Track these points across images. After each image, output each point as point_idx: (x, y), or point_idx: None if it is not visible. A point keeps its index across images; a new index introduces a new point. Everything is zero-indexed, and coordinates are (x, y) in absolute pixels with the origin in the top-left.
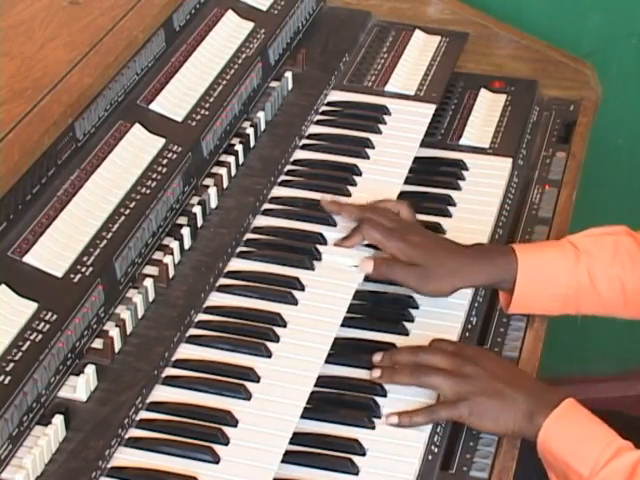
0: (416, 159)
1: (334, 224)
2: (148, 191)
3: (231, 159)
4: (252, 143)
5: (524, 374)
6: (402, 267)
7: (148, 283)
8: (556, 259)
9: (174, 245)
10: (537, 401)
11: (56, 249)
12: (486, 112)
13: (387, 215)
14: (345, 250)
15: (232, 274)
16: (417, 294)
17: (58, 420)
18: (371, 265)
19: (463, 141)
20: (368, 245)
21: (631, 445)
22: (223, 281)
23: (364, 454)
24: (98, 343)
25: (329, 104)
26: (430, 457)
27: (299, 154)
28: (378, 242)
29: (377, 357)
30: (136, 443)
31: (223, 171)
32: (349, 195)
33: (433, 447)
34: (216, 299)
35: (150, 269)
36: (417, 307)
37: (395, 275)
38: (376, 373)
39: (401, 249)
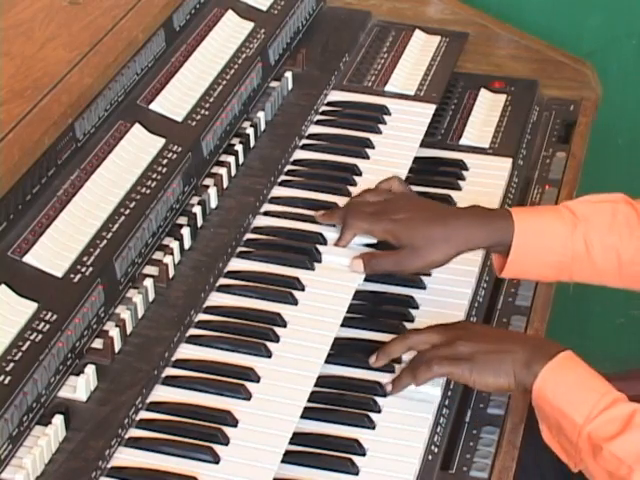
0: (416, 159)
1: (334, 224)
2: (148, 191)
3: (231, 159)
4: (252, 143)
5: (520, 332)
6: (388, 257)
7: (148, 283)
8: (553, 225)
9: (174, 245)
10: (536, 350)
11: (56, 249)
12: (486, 112)
13: (372, 197)
14: (344, 250)
15: (232, 274)
16: (416, 271)
17: (58, 420)
18: (360, 264)
19: (463, 141)
20: (371, 245)
21: (625, 397)
22: (223, 281)
23: (364, 454)
24: (98, 343)
25: (329, 104)
26: (430, 457)
27: (299, 154)
28: (367, 231)
29: (372, 359)
30: (136, 443)
31: (223, 171)
32: (349, 195)
33: (433, 447)
34: (216, 299)
35: (150, 269)
36: (417, 307)
37: (386, 266)
38: (388, 388)
39: (388, 230)
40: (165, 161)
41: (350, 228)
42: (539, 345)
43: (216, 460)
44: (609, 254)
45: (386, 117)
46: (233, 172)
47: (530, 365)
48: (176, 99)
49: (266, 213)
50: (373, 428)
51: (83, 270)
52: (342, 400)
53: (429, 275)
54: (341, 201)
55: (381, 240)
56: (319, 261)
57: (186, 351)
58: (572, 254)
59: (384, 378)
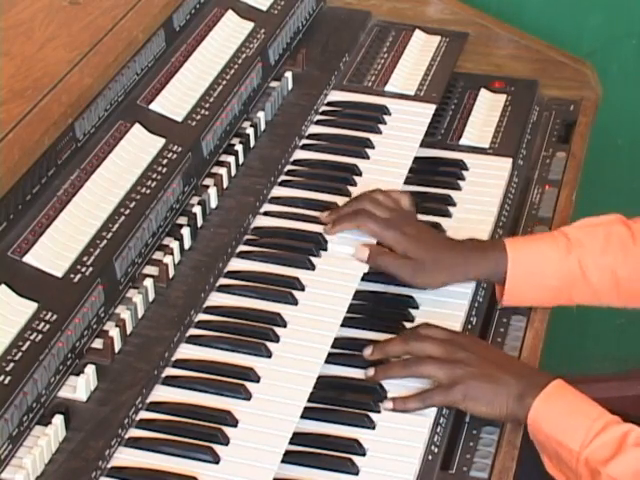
0: (416, 159)
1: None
2: (148, 191)
3: (231, 159)
4: (252, 143)
5: (514, 358)
6: (396, 259)
7: (148, 283)
8: (547, 250)
9: (174, 245)
10: (527, 382)
11: (56, 249)
12: (486, 112)
13: (385, 204)
14: (347, 240)
15: (232, 274)
16: (409, 286)
17: (58, 420)
18: (366, 253)
19: (463, 141)
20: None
21: (619, 419)
22: (223, 281)
23: (364, 454)
24: (98, 343)
25: (329, 104)
26: (430, 457)
27: (299, 154)
28: (374, 232)
29: (368, 351)
30: (136, 443)
31: (223, 171)
32: (349, 195)
33: (433, 447)
34: (216, 299)
35: (150, 269)
36: (417, 307)
37: (388, 267)
38: (370, 372)
39: (397, 240)
40: (165, 161)
41: (359, 223)
42: (530, 376)
43: (216, 460)
44: (605, 275)
45: (386, 117)
46: (233, 172)
47: (522, 398)
48: (176, 99)
49: (266, 213)
50: (373, 428)
51: (83, 270)
52: (342, 400)
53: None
54: (341, 201)
55: (385, 245)
56: (325, 249)
57: (186, 351)
58: (568, 277)
59: (371, 370)
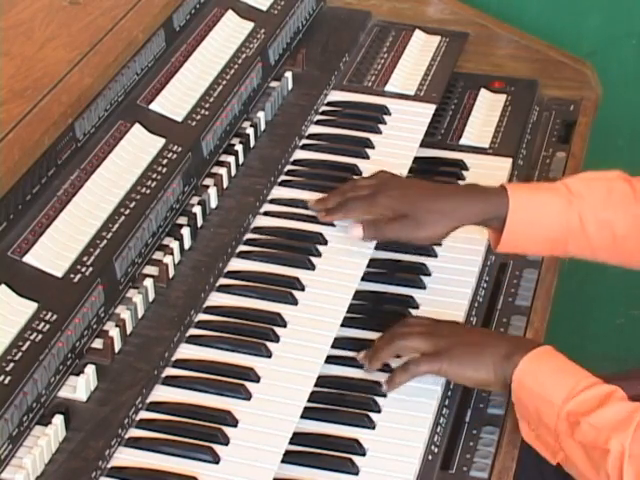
0: (416, 159)
1: (334, 224)
2: (148, 191)
3: (231, 159)
4: (252, 143)
5: (502, 332)
6: (390, 223)
7: (148, 283)
8: (548, 201)
9: (174, 245)
10: (515, 344)
11: (56, 249)
12: (486, 112)
13: (366, 182)
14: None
15: (232, 274)
16: (414, 243)
17: (58, 420)
18: (360, 229)
19: (463, 141)
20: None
21: (602, 381)
22: (223, 281)
23: (364, 454)
24: (98, 343)
25: (329, 104)
26: (430, 457)
27: (299, 154)
28: (363, 211)
29: (366, 366)
30: (136, 443)
31: (223, 171)
32: None
33: (433, 447)
34: (216, 299)
35: (150, 269)
36: (417, 307)
37: (386, 232)
38: (385, 388)
39: (387, 206)
40: (165, 161)
41: (346, 210)
42: (519, 340)
43: (216, 460)
44: (603, 229)
45: (386, 117)
46: (233, 172)
47: (510, 357)
48: (176, 99)
49: (266, 213)
50: (373, 428)
51: (83, 270)
52: (342, 400)
53: (429, 275)
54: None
55: (383, 215)
56: (325, 243)
57: (186, 351)
58: (566, 229)
59: (384, 378)
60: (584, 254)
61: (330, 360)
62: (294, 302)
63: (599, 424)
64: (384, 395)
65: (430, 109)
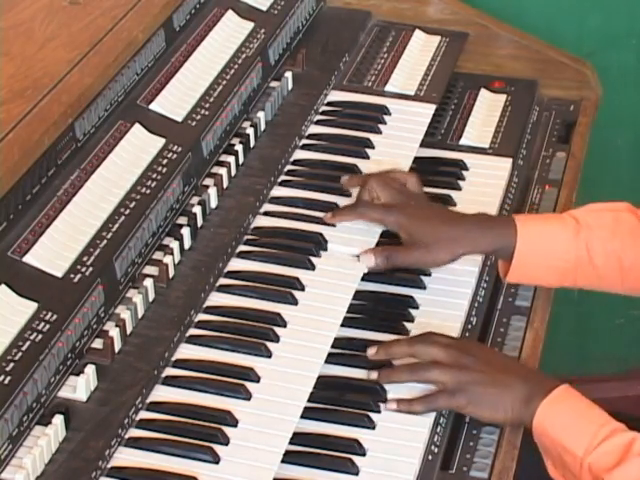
0: (416, 159)
1: (334, 224)
2: (148, 191)
3: (231, 159)
4: (252, 143)
5: (519, 363)
6: (401, 252)
7: (148, 283)
8: (556, 231)
9: (174, 245)
10: (534, 386)
11: (56, 249)
12: (486, 112)
13: (389, 188)
14: (349, 240)
15: (232, 274)
16: (421, 268)
17: (58, 420)
18: (372, 258)
19: (463, 141)
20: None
21: (625, 427)
22: (223, 281)
23: (364, 454)
24: (98, 343)
25: (329, 104)
26: (430, 457)
27: (299, 154)
28: (375, 220)
29: (372, 350)
30: (136, 443)
31: (223, 171)
32: (349, 195)
33: (433, 447)
34: (216, 299)
35: (150, 269)
36: (417, 307)
37: (396, 261)
38: (373, 374)
39: (402, 225)
40: (165, 161)
41: (358, 214)
42: (537, 380)
43: (216, 460)
44: (611, 260)
45: (386, 117)
46: (233, 172)
47: (529, 401)
48: (176, 99)
49: (266, 213)
50: (373, 428)
51: (83, 270)
52: (342, 400)
53: (429, 275)
54: (341, 201)
55: (391, 230)
56: (325, 249)
57: (186, 351)
58: (574, 260)
59: (374, 372)
60: (592, 285)
61: (330, 360)
62: (294, 302)
63: None
64: (384, 396)
65: (430, 109)
